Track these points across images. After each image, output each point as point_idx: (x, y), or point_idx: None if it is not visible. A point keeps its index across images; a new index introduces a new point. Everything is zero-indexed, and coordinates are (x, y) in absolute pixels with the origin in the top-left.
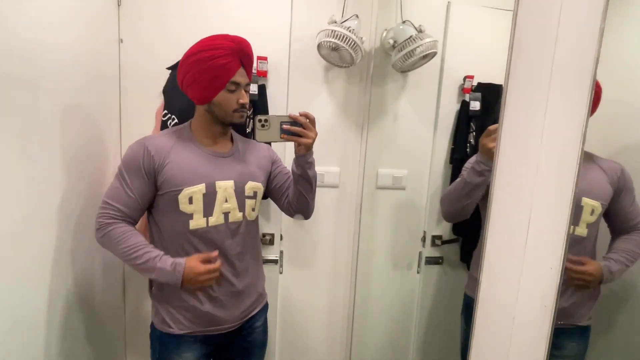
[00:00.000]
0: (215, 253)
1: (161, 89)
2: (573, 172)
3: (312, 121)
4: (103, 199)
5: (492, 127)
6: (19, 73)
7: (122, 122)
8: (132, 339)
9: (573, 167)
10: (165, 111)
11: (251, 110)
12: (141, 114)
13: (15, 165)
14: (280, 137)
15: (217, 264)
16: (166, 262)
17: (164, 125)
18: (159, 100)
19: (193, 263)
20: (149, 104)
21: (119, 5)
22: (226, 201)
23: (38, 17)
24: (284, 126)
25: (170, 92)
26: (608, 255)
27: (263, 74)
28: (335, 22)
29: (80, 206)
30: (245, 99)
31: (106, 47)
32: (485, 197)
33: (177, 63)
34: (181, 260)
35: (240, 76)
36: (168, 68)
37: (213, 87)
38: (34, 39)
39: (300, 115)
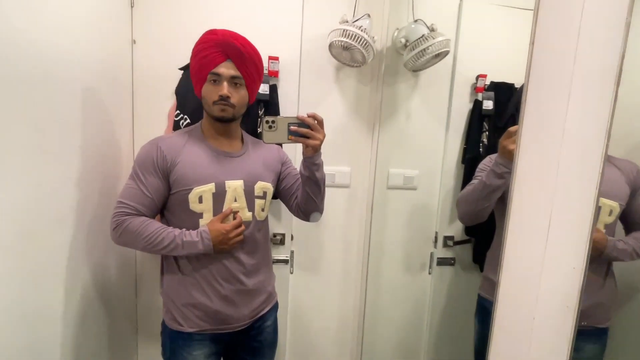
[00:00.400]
0: (230, 210)
1: (173, 89)
2: (596, 172)
3: (320, 122)
4: (118, 199)
5: (512, 129)
6: (37, 74)
7: (135, 122)
8: (143, 336)
9: (596, 166)
10: (178, 111)
11: (262, 111)
12: (154, 114)
13: (34, 163)
14: (288, 139)
15: (238, 218)
16: (191, 234)
17: (176, 125)
18: (171, 101)
19: (216, 225)
20: (161, 104)
21: (132, 7)
22: (235, 201)
23: (53, 19)
24: (292, 127)
25: (183, 92)
26: (621, 238)
27: (274, 74)
28: (347, 22)
29: (95, 204)
30: (223, 91)
31: (119, 48)
32: (500, 199)
33: (189, 64)
34: (204, 228)
35: (223, 68)
36: (180, 69)
37: (199, 80)
38: (50, 40)
39: (308, 116)
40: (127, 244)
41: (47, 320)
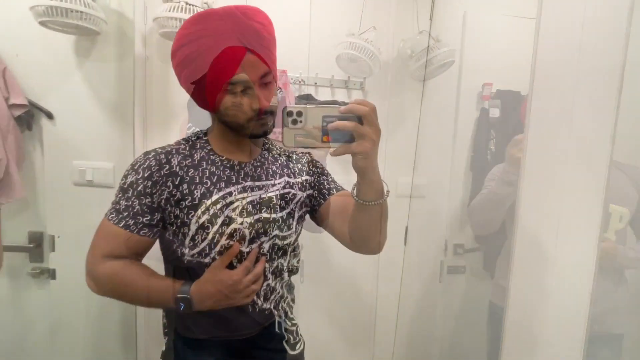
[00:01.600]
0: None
1: (185, 103)
2: (603, 177)
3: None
4: None
5: (519, 137)
6: None
7: (148, 134)
8: (153, 341)
9: (603, 171)
10: (190, 124)
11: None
12: (166, 127)
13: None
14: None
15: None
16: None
17: None
18: (183, 114)
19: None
20: (173, 117)
21: (145, 25)
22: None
23: None
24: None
25: (194, 105)
26: (632, 246)
27: (283, 86)
28: (353, 35)
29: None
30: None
31: (133, 63)
32: (511, 206)
33: (202, 77)
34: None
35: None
36: (192, 83)
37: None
38: None
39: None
40: None
41: (69, 324)
